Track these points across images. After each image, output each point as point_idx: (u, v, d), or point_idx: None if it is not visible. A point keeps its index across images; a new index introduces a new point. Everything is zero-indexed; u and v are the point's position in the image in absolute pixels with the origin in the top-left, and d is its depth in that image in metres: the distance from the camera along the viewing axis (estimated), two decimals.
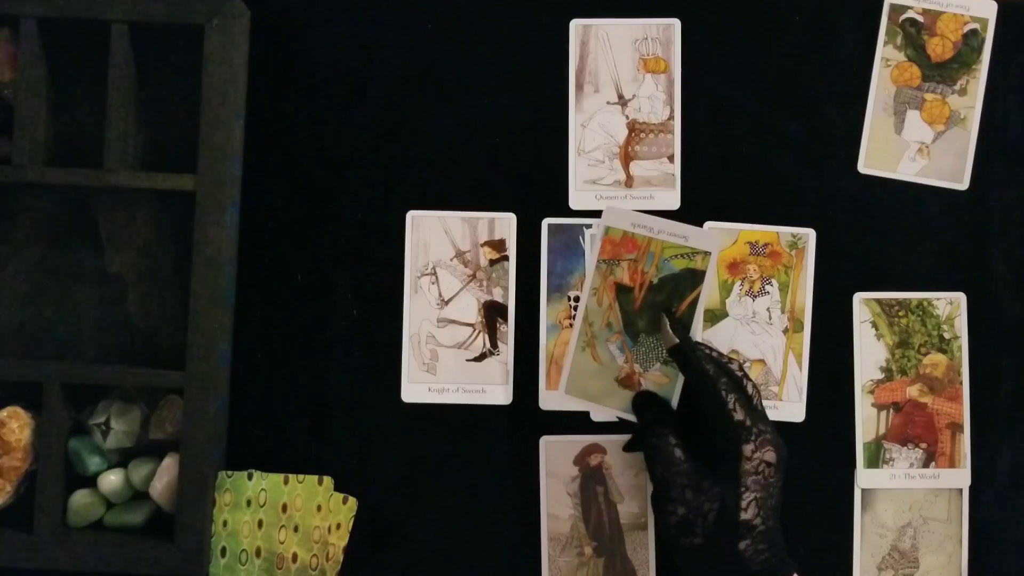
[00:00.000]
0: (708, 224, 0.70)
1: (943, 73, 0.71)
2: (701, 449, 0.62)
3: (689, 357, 0.62)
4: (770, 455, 0.59)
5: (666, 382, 0.65)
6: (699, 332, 0.69)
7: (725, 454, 0.60)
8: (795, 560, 0.61)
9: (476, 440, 0.70)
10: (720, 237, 0.69)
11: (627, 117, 0.71)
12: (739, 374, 0.62)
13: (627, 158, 0.71)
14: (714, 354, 0.63)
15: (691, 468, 0.60)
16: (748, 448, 0.59)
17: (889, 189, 0.71)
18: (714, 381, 0.60)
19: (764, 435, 0.60)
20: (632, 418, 0.65)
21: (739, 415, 0.60)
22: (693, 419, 0.64)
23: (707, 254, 0.64)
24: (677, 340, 0.62)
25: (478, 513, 0.70)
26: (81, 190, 0.70)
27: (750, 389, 0.61)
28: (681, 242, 0.64)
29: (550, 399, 0.69)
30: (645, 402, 0.65)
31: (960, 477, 0.69)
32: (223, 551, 0.68)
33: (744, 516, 0.58)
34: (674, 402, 0.65)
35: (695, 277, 0.64)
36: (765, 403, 0.69)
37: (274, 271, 0.71)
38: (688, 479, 0.60)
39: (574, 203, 0.70)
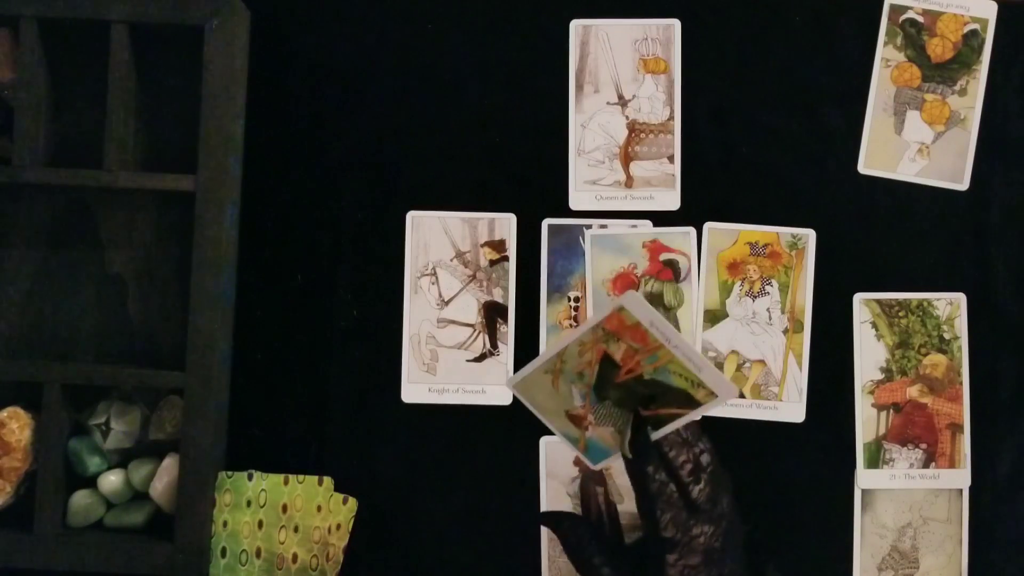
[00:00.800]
0: (708, 224, 0.70)
1: (943, 73, 0.71)
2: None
3: (636, 475, 0.59)
4: (695, 559, 0.59)
5: (611, 444, 0.60)
6: (699, 335, 0.69)
7: (651, 552, 0.59)
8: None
9: (476, 440, 0.70)
10: (727, 373, 0.67)
11: (627, 117, 0.71)
12: (687, 479, 0.59)
13: (627, 158, 0.71)
14: (671, 453, 0.59)
15: None
16: (672, 557, 0.58)
17: (889, 189, 0.71)
18: (651, 502, 0.58)
19: (693, 541, 0.58)
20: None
21: (668, 532, 0.58)
22: None
23: (712, 395, 0.56)
24: (630, 455, 0.59)
25: (478, 513, 0.70)
26: (81, 190, 0.70)
27: (701, 484, 0.59)
28: (692, 370, 0.56)
29: None
30: (558, 519, 0.63)
31: (960, 477, 0.69)
32: (223, 551, 0.68)
33: None
34: (615, 459, 0.61)
35: (687, 402, 0.57)
36: (765, 404, 0.69)
37: (274, 271, 0.71)
38: None
39: (574, 203, 0.70)
